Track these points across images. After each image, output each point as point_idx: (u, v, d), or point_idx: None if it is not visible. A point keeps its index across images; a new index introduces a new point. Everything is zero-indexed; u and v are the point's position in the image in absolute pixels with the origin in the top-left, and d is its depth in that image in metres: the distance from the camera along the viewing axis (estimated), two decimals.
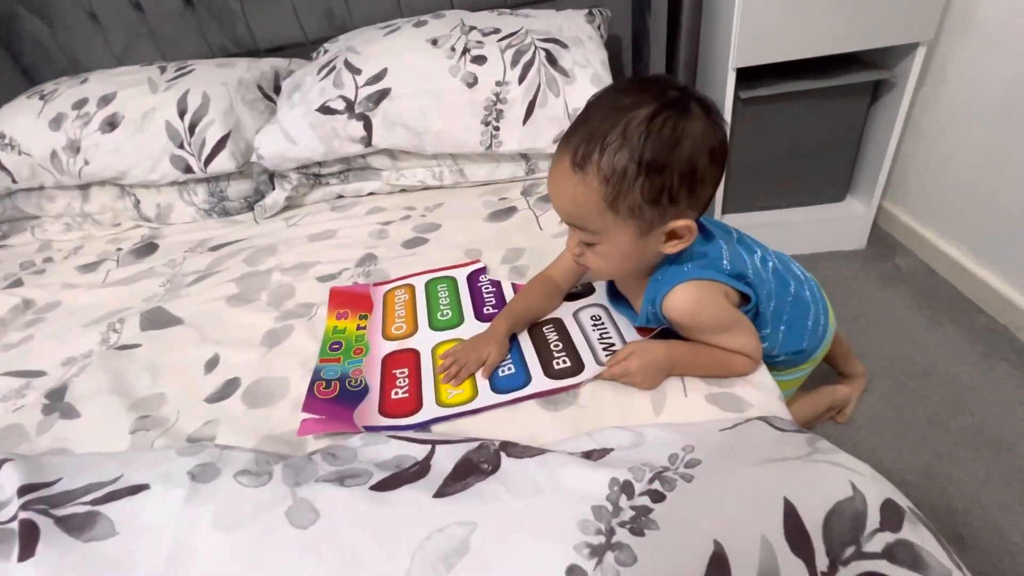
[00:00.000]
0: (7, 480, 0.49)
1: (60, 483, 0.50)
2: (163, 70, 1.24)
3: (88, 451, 0.61)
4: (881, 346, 1.12)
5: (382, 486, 0.44)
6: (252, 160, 1.13)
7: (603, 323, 0.68)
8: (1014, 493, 0.85)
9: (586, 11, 1.20)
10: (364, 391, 0.63)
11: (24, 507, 0.45)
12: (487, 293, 0.77)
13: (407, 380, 0.64)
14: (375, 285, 0.83)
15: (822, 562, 0.36)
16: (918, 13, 1.06)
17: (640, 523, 0.38)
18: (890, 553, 0.37)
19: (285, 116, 1.09)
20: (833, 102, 1.23)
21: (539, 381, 0.61)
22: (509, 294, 0.76)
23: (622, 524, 0.38)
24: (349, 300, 0.79)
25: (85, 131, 1.15)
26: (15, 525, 0.44)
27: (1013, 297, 1.09)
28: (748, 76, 1.19)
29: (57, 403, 0.70)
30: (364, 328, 0.74)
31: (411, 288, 0.81)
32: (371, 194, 1.17)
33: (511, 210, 1.01)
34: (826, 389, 0.98)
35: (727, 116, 1.21)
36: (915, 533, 0.39)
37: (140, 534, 0.43)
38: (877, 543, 0.37)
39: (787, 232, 1.39)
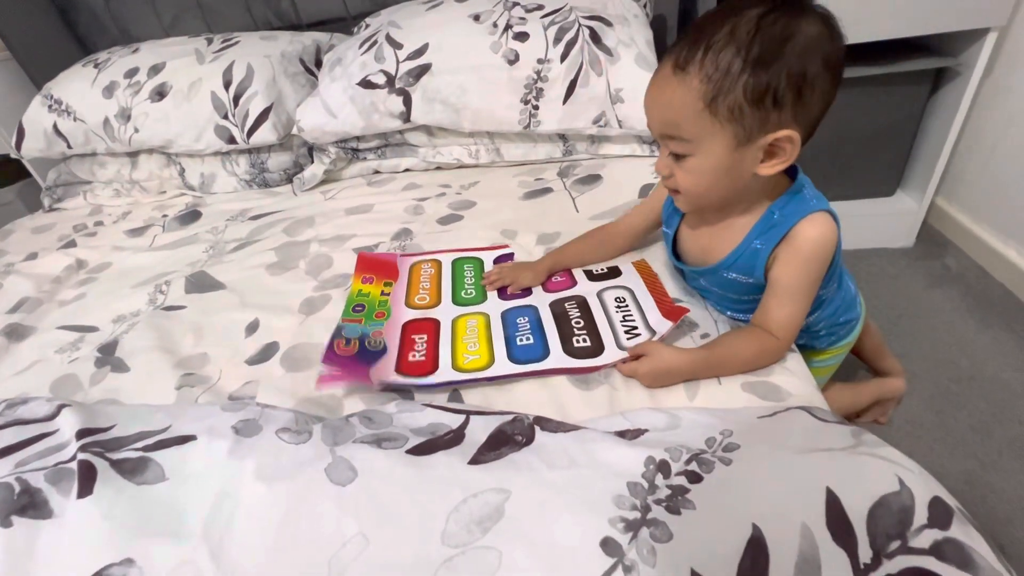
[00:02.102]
0: (65, 424, 0.52)
1: (114, 429, 0.52)
2: (209, 41, 1.26)
3: (137, 403, 0.64)
4: (925, 348, 1.08)
5: (418, 450, 0.44)
6: (293, 133, 1.15)
7: (627, 305, 0.67)
8: None
9: None
10: (383, 351, 0.64)
11: (82, 449, 0.48)
12: None
13: (425, 345, 0.65)
14: (403, 255, 0.84)
15: (865, 554, 0.35)
16: None
17: (676, 502, 0.38)
18: (938, 550, 0.35)
19: (326, 89, 1.10)
20: (891, 90, 1.17)
21: (557, 357, 0.60)
22: None
23: (658, 502, 0.38)
24: (376, 266, 0.81)
25: (135, 99, 1.18)
26: (74, 465, 0.47)
27: None
28: None
29: (109, 357, 0.73)
30: (388, 295, 0.76)
31: (438, 263, 0.82)
32: (407, 171, 1.18)
33: (547, 191, 1.00)
34: (874, 381, 0.94)
35: None
36: (964, 533, 0.37)
37: (188, 481, 0.45)
38: (925, 539, 0.36)
39: None
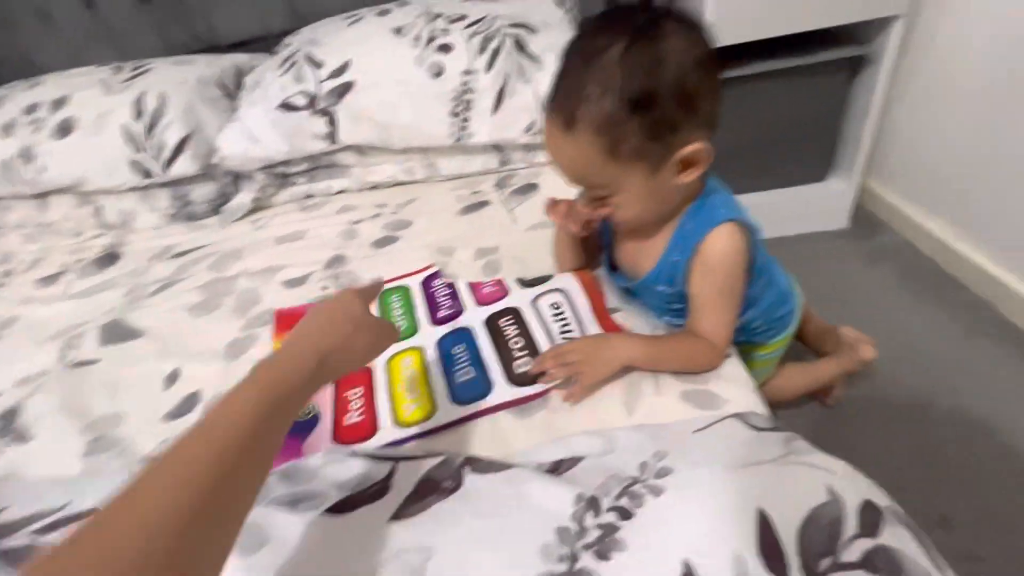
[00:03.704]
0: None
1: (7, 512, 0.47)
2: (118, 70, 1.19)
3: (39, 477, 0.58)
4: (866, 327, 1.10)
5: (338, 508, 0.41)
6: (214, 162, 1.09)
7: (563, 313, 0.66)
8: (995, 470, 0.84)
9: None
10: (315, 420, 0.59)
11: None
12: (441, 296, 0.74)
13: (361, 401, 0.61)
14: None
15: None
16: None
17: (606, 544, 0.36)
18: (869, 562, 0.35)
19: (246, 114, 1.05)
20: (812, 80, 1.20)
21: (501, 389, 0.58)
22: (465, 295, 0.73)
23: (587, 547, 0.36)
24: (296, 322, 0.75)
25: (38, 137, 1.10)
26: None
27: (995, 272, 1.08)
28: (725, 56, 1.16)
29: (9, 426, 0.67)
30: None
31: None
32: (341, 192, 1.13)
33: (484, 204, 0.98)
34: (832, 357, 0.95)
35: None
36: (894, 535, 0.37)
37: None
38: (855, 551, 0.35)
39: (769, 214, 1.36)
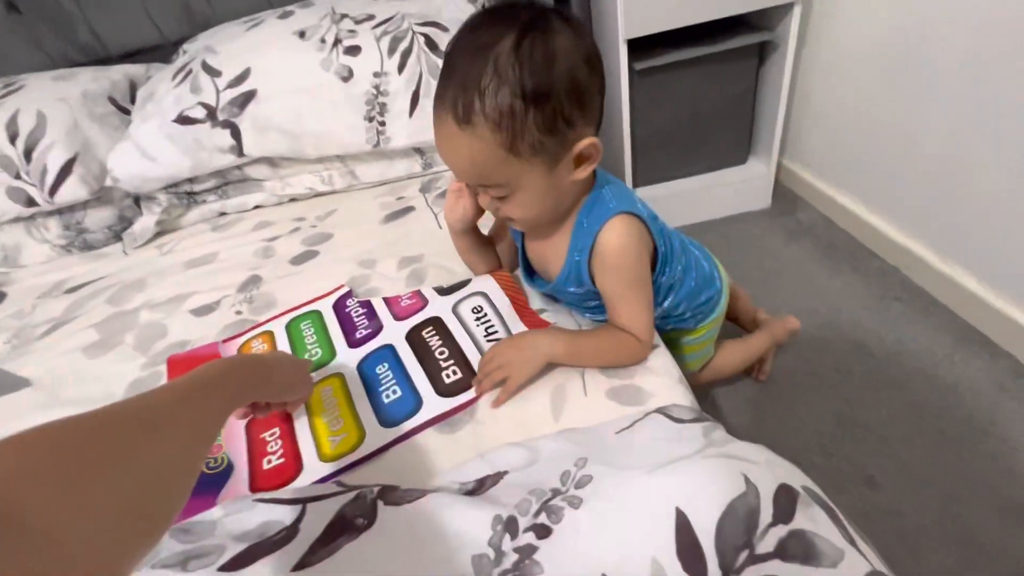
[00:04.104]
0: None
1: None
2: None
3: None
4: (792, 300, 1.16)
5: (233, 564, 0.38)
6: (108, 184, 1.00)
7: (485, 314, 0.64)
8: (912, 427, 0.90)
9: None
10: (227, 471, 0.54)
11: None
12: (357, 316, 0.70)
13: (279, 442, 0.56)
14: (225, 341, 0.71)
15: (715, 574, 0.34)
16: None
17: (523, 569, 0.35)
18: (782, 550, 0.35)
19: (138, 130, 0.97)
20: (724, 67, 1.24)
21: (431, 404, 0.56)
22: (383, 313, 0.69)
23: (504, 574, 0.34)
24: (194, 366, 0.68)
25: None
26: None
27: (900, 240, 1.15)
28: (641, 47, 1.18)
29: None
30: None
31: (270, 335, 0.70)
32: (257, 207, 1.07)
33: (408, 210, 0.95)
34: (761, 331, 0.98)
35: (623, 89, 1.19)
36: (808, 517, 0.38)
37: None
38: (770, 540, 0.36)
39: (696, 198, 1.41)
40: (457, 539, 0.37)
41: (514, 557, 0.35)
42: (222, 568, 0.37)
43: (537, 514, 0.38)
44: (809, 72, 1.28)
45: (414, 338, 0.64)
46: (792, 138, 1.42)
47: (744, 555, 0.35)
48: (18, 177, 0.97)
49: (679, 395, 0.54)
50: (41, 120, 0.99)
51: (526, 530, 0.37)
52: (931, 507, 0.79)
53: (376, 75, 0.95)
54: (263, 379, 0.47)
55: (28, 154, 0.97)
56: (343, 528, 0.40)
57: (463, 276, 0.75)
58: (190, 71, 0.98)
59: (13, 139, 0.98)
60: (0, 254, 1.04)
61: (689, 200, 1.41)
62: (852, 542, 0.38)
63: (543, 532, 0.37)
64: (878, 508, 0.80)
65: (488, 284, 0.68)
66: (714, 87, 1.27)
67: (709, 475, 0.39)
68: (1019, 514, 0.76)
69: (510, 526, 0.37)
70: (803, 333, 1.08)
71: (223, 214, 1.07)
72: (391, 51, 0.96)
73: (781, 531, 0.36)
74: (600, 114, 0.50)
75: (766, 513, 0.37)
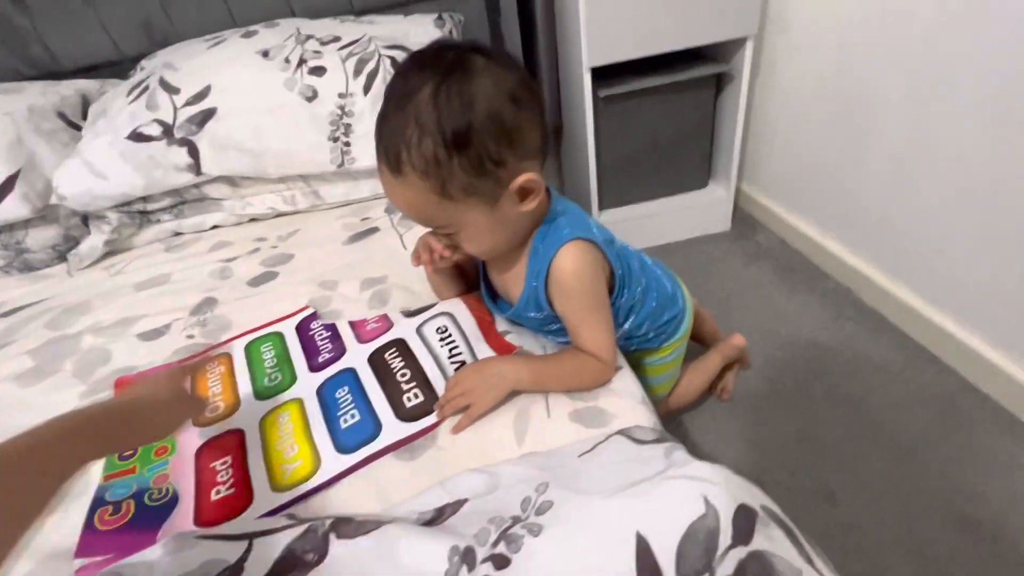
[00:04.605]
0: None
1: None
2: None
3: None
4: (752, 321, 1.19)
5: None
6: (53, 202, 0.95)
7: (450, 335, 0.63)
8: (868, 443, 0.92)
9: (435, 15, 1.16)
10: (172, 502, 0.50)
11: None
12: (321, 340, 0.68)
13: (230, 471, 0.53)
14: (180, 362, 0.69)
15: None
16: (742, 10, 1.14)
17: None
18: (742, 571, 0.35)
19: (88, 147, 0.93)
20: (684, 96, 1.29)
21: (391, 427, 0.54)
22: (347, 336, 0.67)
23: None
24: None
25: None
26: None
27: (853, 262, 1.21)
28: (606, 75, 1.22)
29: None
30: None
31: (227, 358, 0.68)
32: (215, 227, 1.04)
33: (373, 231, 0.94)
34: (713, 350, 1.00)
35: (587, 115, 1.22)
36: (766, 537, 0.38)
37: None
38: (729, 563, 0.35)
39: (659, 221, 1.45)
40: (413, 573, 0.35)
41: None
42: None
43: (496, 543, 0.36)
44: (764, 101, 1.35)
45: (376, 360, 0.62)
46: (750, 163, 1.48)
47: None
48: None
49: (641, 416, 0.54)
50: None
51: (484, 560, 0.35)
52: (889, 521, 0.80)
53: (341, 96, 0.95)
54: (125, 431, 0.42)
55: None
56: (292, 565, 0.37)
57: (427, 297, 0.74)
58: (147, 87, 0.96)
59: None
60: None
61: (652, 223, 1.44)
62: (809, 560, 0.38)
63: (502, 562, 0.35)
64: (839, 523, 0.82)
65: (455, 306, 0.67)
66: (675, 114, 1.32)
67: (669, 498, 0.39)
68: (972, 526, 0.78)
69: (467, 557, 0.36)
70: (764, 353, 1.11)
71: (178, 234, 1.03)
72: (357, 72, 0.96)
73: (740, 552, 0.36)
74: (542, 144, 0.51)
75: (725, 535, 0.37)
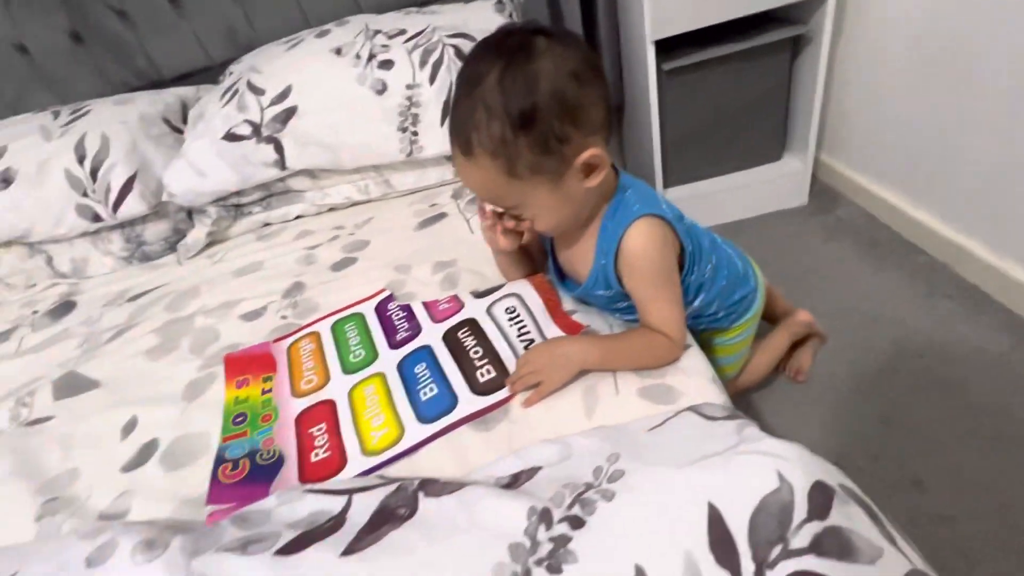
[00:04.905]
0: None
1: None
2: (56, 115, 1.16)
3: None
4: (831, 299, 1.13)
5: (288, 549, 0.40)
6: (164, 199, 1.07)
7: (518, 315, 0.66)
8: (967, 428, 0.86)
9: (495, 1, 1.17)
10: (279, 463, 0.57)
11: None
12: (398, 319, 0.73)
13: (326, 437, 0.59)
14: (275, 341, 0.75)
15: (748, 568, 0.35)
16: None
17: (558, 557, 0.36)
18: (818, 545, 0.35)
19: (190, 148, 1.03)
20: (755, 63, 1.22)
21: (466, 402, 0.58)
22: (422, 315, 0.72)
23: (539, 562, 0.36)
24: (248, 364, 0.72)
25: None
26: None
27: (950, 235, 1.10)
28: (669, 47, 1.18)
29: None
30: (270, 391, 0.67)
31: (316, 336, 0.74)
32: (299, 217, 1.12)
33: (441, 216, 0.98)
34: (780, 326, 0.97)
35: (651, 90, 1.19)
36: (844, 515, 0.37)
37: None
38: (805, 536, 0.36)
39: (729, 197, 1.39)
40: (494, 528, 0.39)
41: (549, 546, 0.37)
42: (278, 552, 0.40)
43: (571, 506, 0.39)
44: (845, 65, 1.25)
45: (450, 339, 0.66)
46: (830, 133, 1.38)
47: (778, 549, 0.35)
48: (85, 195, 1.05)
49: (712, 394, 0.54)
50: (105, 142, 1.07)
51: (560, 521, 0.38)
52: (985, 514, 0.75)
53: (409, 87, 0.99)
54: None
55: (94, 173, 1.05)
56: (387, 517, 0.42)
57: (495, 280, 0.77)
58: (236, 91, 1.05)
59: (81, 160, 1.06)
60: (70, 266, 1.13)
61: (722, 199, 1.39)
62: (892, 540, 0.37)
63: (577, 523, 0.38)
64: (927, 513, 0.77)
65: (522, 287, 0.70)
66: (746, 84, 1.25)
67: (741, 472, 0.40)
68: None
69: (544, 517, 0.39)
70: (844, 333, 1.05)
71: (267, 224, 1.13)
72: (422, 63, 1.00)
73: (816, 527, 0.36)
74: (606, 120, 0.52)
75: (800, 509, 0.37)
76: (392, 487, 0.45)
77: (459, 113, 0.50)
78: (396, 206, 1.06)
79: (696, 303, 0.68)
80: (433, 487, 0.44)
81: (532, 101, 0.47)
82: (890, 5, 1.09)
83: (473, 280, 0.79)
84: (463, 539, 0.39)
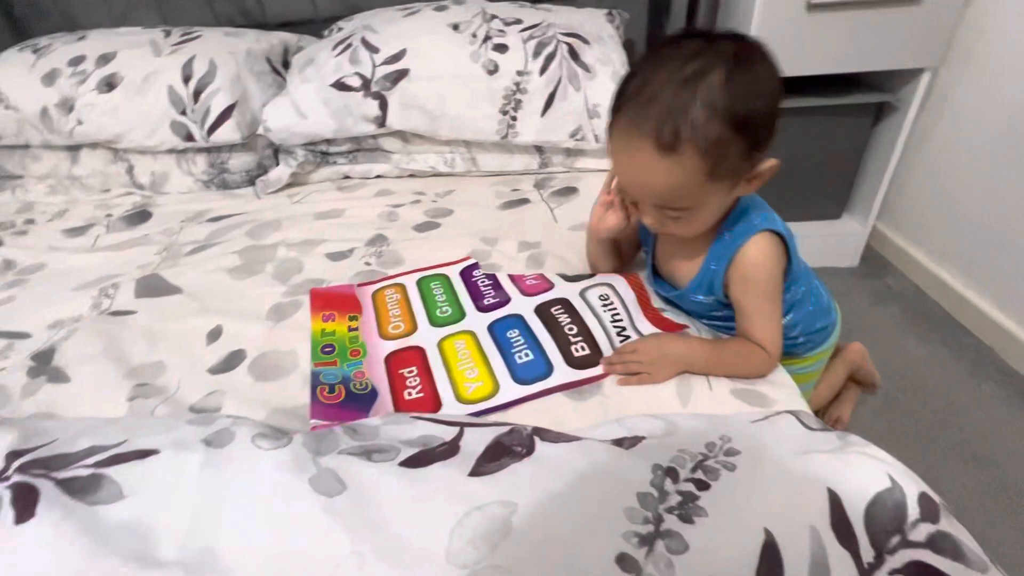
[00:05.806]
0: None
1: (54, 445, 0.46)
2: (167, 34, 1.19)
3: (80, 416, 0.57)
4: (875, 360, 1.14)
5: (412, 462, 0.42)
6: (258, 133, 1.09)
7: (612, 303, 0.68)
8: (1000, 506, 0.87)
9: (606, 11, 1.21)
10: (373, 394, 0.59)
11: (19, 470, 0.42)
12: (484, 286, 0.74)
13: (418, 379, 0.61)
14: (360, 285, 0.77)
15: (867, 553, 0.36)
16: (926, 39, 1.10)
17: (688, 509, 0.37)
18: (933, 543, 0.37)
19: (296, 89, 1.06)
20: (837, 121, 1.26)
21: (561, 371, 0.59)
22: (508, 286, 0.73)
23: (670, 510, 0.37)
24: (334, 301, 0.74)
25: (81, 89, 1.09)
26: (7, 489, 0.41)
27: (999, 320, 1.13)
28: None
29: (44, 367, 0.65)
30: (356, 329, 0.69)
31: (402, 287, 0.76)
32: (379, 177, 1.15)
33: (524, 201, 1.00)
34: (837, 360, 0.99)
35: None
36: (952, 526, 0.39)
37: (153, 499, 0.40)
38: (920, 532, 0.37)
39: None
40: (619, 477, 0.40)
41: (678, 498, 0.38)
42: (403, 464, 0.41)
43: (694, 470, 0.40)
44: (924, 139, 1.29)
45: (543, 312, 0.68)
46: (891, 202, 1.41)
47: (896, 539, 0.37)
48: (183, 113, 1.08)
49: (802, 407, 0.56)
50: (212, 68, 1.10)
51: (686, 480, 0.40)
52: None
53: (519, 73, 1.02)
54: None
55: (197, 95, 1.08)
56: (504, 451, 0.43)
57: (580, 267, 0.79)
58: (350, 44, 1.08)
59: (186, 80, 1.09)
60: (149, 179, 1.15)
61: None
62: (994, 563, 0.39)
63: (702, 485, 0.39)
64: None
65: (615, 279, 0.72)
66: (824, 139, 1.29)
67: (855, 467, 0.41)
68: None
69: (671, 473, 0.40)
70: (886, 396, 1.07)
71: (347, 177, 1.15)
72: (536, 53, 1.03)
73: (930, 527, 0.38)
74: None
75: (913, 510, 0.39)
76: (504, 428, 0.46)
77: (662, 105, 0.47)
78: (477, 184, 1.09)
79: (785, 320, 0.70)
80: (548, 435, 0.46)
81: (756, 106, 0.48)
82: (980, 93, 1.13)
83: (558, 264, 0.81)
84: (589, 483, 0.40)
